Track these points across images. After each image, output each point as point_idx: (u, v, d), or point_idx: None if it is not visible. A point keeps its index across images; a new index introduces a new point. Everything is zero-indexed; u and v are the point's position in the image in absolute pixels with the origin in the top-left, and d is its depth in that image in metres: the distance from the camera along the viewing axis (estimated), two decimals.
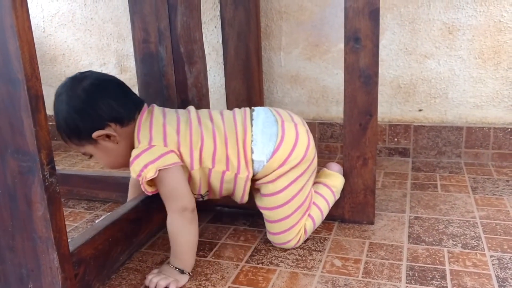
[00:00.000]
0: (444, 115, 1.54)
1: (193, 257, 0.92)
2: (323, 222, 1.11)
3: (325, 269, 0.92)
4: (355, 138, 1.05)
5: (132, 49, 1.28)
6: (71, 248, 0.75)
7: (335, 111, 1.64)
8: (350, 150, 1.06)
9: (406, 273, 0.89)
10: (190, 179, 0.94)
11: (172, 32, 1.14)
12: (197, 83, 1.18)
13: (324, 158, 1.62)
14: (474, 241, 1.00)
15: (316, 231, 1.07)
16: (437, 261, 0.93)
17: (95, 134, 0.89)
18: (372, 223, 1.10)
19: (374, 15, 0.97)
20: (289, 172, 0.96)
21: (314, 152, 1.01)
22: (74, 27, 1.87)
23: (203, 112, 1.00)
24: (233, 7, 1.47)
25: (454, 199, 1.23)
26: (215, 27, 1.67)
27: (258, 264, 0.95)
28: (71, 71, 1.91)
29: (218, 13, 1.62)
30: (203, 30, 1.26)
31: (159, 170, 0.87)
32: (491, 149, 1.50)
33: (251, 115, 0.98)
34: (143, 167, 0.86)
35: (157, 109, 0.96)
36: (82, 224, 1.19)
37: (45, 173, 0.65)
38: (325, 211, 1.05)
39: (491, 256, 0.94)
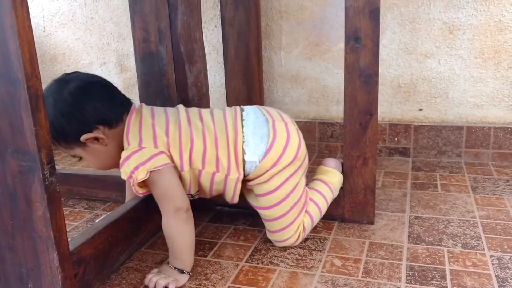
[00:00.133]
0: (444, 114, 1.54)
1: (192, 257, 0.92)
2: (323, 222, 1.11)
3: (325, 268, 0.92)
4: (355, 138, 1.05)
5: (132, 49, 1.28)
6: (71, 248, 0.75)
7: (335, 111, 1.64)
8: (350, 149, 1.06)
9: (406, 273, 0.89)
10: (180, 179, 0.93)
11: (172, 31, 1.14)
12: (197, 83, 1.18)
13: (324, 157, 1.61)
14: (474, 241, 1.00)
15: (316, 231, 1.07)
16: (437, 261, 0.93)
17: (83, 138, 0.88)
18: (372, 222, 1.10)
19: (374, 15, 0.97)
20: (282, 171, 0.95)
21: (306, 151, 1.00)
22: (75, 26, 1.87)
23: (193, 111, 0.99)
24: (233, 7, 1.47)
25: (454, 199, 1.23)
26: (215, 26, 1.67)
27: (258, 263, 0.95)
28: (72, 70, 1.91)
29: (218, 12, 1.62)
30: (203, 30, 1.25)
31: (150, 171, 0.86)
32: (491, 149, 1.50)
33: (241, 116, 0.98)
34: (133, 168, 0.86)
35: (145, 109, 0.95)
36: (82, 223, 1.19)
37: (45, 172, 0.65)
38: (323, 208, 1.05)
39: (491, 256, 0.94)
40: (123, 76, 1.85)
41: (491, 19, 1.42)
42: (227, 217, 1.18)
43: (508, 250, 0.96)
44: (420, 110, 1.56)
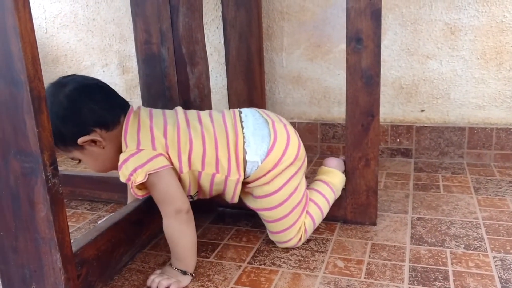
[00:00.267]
0: (446, 115, 1.54)
1: (194, 258, 0.92)
2: (325, 223, 1.11)
3: (328, 270, 0.92)
4: (357, 139, 1.05)
5: (134, 50, 1.28)
6: (74, 249, 0.75)
7: (337, 112, 1.64)
8: (352, 151, 1.06)
9: (409, 274, 0.89)
10: (179, 181, 0.93)
11: (174, 33, 1.14)
12: (199, 84, 1.18)
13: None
14: (477, 242, 1.00)
15: (318, 232, 1.07)
16: (440, 262, 0.93)
17: (80, 140, 0.88)
18: (374, 224, 1.10)
19: (376, 16, 0.97)
20: (283, 172, 0.96)
21: (305, 152, 1.01)
22: (76, 28, 1.87)
23: (192, 113, 0.99)
24: (234, 8, 1.47)
25: (457, 200, 1.22)
26: (217, 28, 1.67)
27: (260, 265, 0.95)
28: (73, 72, 1.91)
29: (220, 14, 1.63)
30: (205, 31, 1.26)
31: (149, 174, 0.86)
32: (493, 150, 1.50)
33: (240, 117, 0.97)
34: (132, 171, 0.85)
35: (143, 111, 0.95)
36: (85, 225, 1.19)
37: (48, 174, 0.65)
38: (325, 209, 1.05)
39: (494, 257, 0.94)
40: (125, 77, 1.85)
41: (492, 20, 1.42)
42: (230, 218, 1.18)
43: (511, 251, 0.96)
44: (422, 111, 1.56)
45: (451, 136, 1.53)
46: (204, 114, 0.99)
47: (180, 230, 0.89)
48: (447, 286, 0.85)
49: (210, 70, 1.39)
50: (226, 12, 1.48)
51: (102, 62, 1.88)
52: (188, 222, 0.90)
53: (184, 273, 0.89)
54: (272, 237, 1.01)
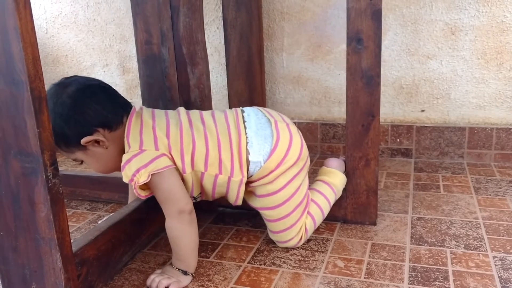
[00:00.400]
0: (446, 115, 1.54)
1: (195, 258, 0.92)
2: (325, 223, 1.11)
3: (328, 269, 0.92)
4: (357, 139, 1.05)
5: (134, 50, 1.28)
6: (74, 249, 0.75)
7: (338, 112, 1.64)
8: (352, 151, 1.06)
9: (409, 274, 0.89)
10: (182, 182, 0.93)
11: (174, 33, 1.14)
12: (200, 84, 1.18)
13: (326, 159, 1.62)
14: (477, 241, 1.00)
15: (318, 232, 1.07)
16: (440, 262, 0.93)
17: (83, 140, 0.87)
18: (374, 223, 1.10)
19: (376, 16, 0.97)
20: (286, 171, 0.96)
21: (307, 151, 1.01)
22: (77, 28, 1.87)
23: (194, 113, 0.99)
24: (235, 8, 1.47)
25: (457, 200, 1.22)
26: (217, 28, 1.67)
27: (260, 264, 0.95)
28: (74, 72, 1.92)
29: (220, 14, 1.63)
30: (205, 31, 1.26)
31: (152, 174, 0.86)
32: (493, 150, 1.50)
33: (243, 117, 0.98)
34: (135, 171, 0.85)
35: (146, 112, 0.95)
36: (85, 224, 1.19)
37: (48, 174, 0.66)
38: (326, 209, 1.05)
39: (494, 257, 0.94)
40: (125, 77, 1.85)
41: (493, 20, 1.42)
42: (230, 218, 1.18)
43: (511, 251, 0.96)
44: (422, 111, 1.56)
45: (451, 136, 1.53)
46: (206, 114, 0.99)
47: (182, 230, 0.89)
48: (447, 286, 0.85)
49: (210, 70, 1.40)
50: (227, 12, 1.48)
51: (102, 63, 1.88)
52: (190, 222, 0.90)
53: (185, 273, 0.89)
54: (273, 237, 1.01)
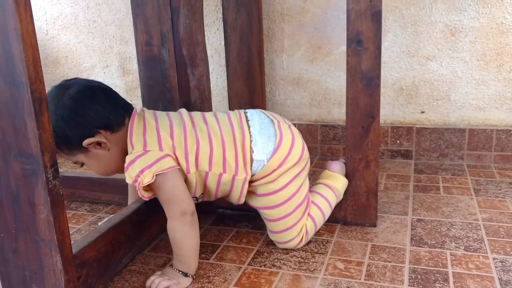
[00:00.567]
0: (446, 117, 1.54)
1: (196, 260, 0.92)
2: (325, 225, 1.11)
3: (328, 271, 0.92)
4: (357, 141, 1.05)
5: (134, 52, 1.28)
6: (74, 251, 0.75)
7: (337, 113, 1.64)
8: (352, 152, 1.06)
9: (409, 276, 0.89)
10: (185, 182, 0.93)
11: (174, 34, 1.15)
12: (200, 86, 1.18)
13: (326, 160, 1.62)
14: (477, 243, 1.00)
15: (318, 234, 1.07)
16: (440, 264, 0.93)
17: (85, 142, 0.87)
18: (374, 225, 1.10)
19: (376, 18, 0.97)
20: (288, 171, 0.96)
21: (308, 154, 1.01)
22: (77, 29, 1.87)
23: (196, 114, 0.99)
24: (235, 10, 1.47)
25: (457, 201, 1.22)
26: (218, 29, 1.67)
27: (260, 266, 0.95)
28: (74, 74, 1.92)
29: (220, 15, 1.63)
30: (205, 33, 1.26)
31: (156, 175, 0.86)
32: (493, 151, 1.50)
33: (246, 117, 0.98)
34: (139, 172, 0.85)
35: (148, 113, 0.95)
36: (85, 226, 1.19)
37: (49, 175, 0.66)
38: (327, 212, 1.05)
39: (494, 259, 0.94)
40: (125, 79, 1.85)
41: (493, 21, 1.42)
42: (230, 219, 1.18)
43: (511, 252, 0.96)
44: (422, 112, 1.56)
45: (451, 137, 1.53)
46: (209, 114, 0.99)
47: (184, 232, 0.89)
48: (447, 287, 0.85)
49: (210, 71, 1.40)
50: (227, 14, 1.48)
51: (102, 64, 1.88)
52: (192, 224, 0.90)
53: (185, 275, 0.89)
54: (273, 237, 1.01)
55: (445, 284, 0.86)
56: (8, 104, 0.63)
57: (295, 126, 1.64)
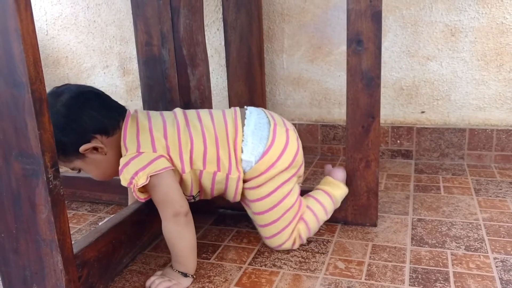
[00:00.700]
0: (446, 117, 1.54)
1: (194, 260, 0.91)
2: (326, 224, 1.11)
3: (328, 271, 0.92)
4: (357, 140, 1.05)
5: (135, 52, 1.28)
6: (74, 251, 0.75)
7: (338, 113, 1.64)
8: (352, 152, 1.06)
9: (409, 275, 0.89)
10: (181, 181, 0.93)
11: (174, 34, 1.15)
12: (200, 86, 1.18)
13: (326, 160, 1.62)
14: (478, 243, 1.00)
15: (319, 233, 1.07)
16: (440, 263, 0.93)
17: (82, 148, 0.87)
18: (375, 225, 1.10)
19: (376, 18, 0.97)
20: (276, 176, 0.95)
21: (302, 159, 1.01)
22: (77, 29, 1.88)
23: (191, 112, 0.99)
24: (235, 10, 1.47)
25: (457, 201, 1.22)
26: (218, 29, 1.67)
27: (261, 266, 0.95)
28: (74, 74, 1.92)
29: (220, 15, 1.63)
30: (205, 33, 1.26)
31: (150, 176, 0.86)
32: (494, 151, 1.50)
33: (244, 114, 0.98)
34: (133, 174, 0.85)
35: (141, 114, 0.95)
36: (86, 226, 1.19)
37: (49, 175, 0.66)
38: (321, 217, 1.03)
39: (495, 258, 0.94)
40: (125, 79, 1.85)
41: (493, 21, 1.42)
42: (230, 219, 1.18)
43: None
44: (423, 112, 1.56)
45: (452, 137, 1.53)
46: (204, 112, 0.99)
47: (179, 232, 0.89)
48: (448, 287, 0.85)
49: (210, 71, 1.40)
50: (227, 14, 1.48)
51: (102, 64, 1.88)
52: (187, 224, 0.89)
53: (185, 275, 0.89)
54: (266, 242, 1.01)
55: (446, 284, 0.86)
56: (8, 104, 0.63)
57: (295, 127, 1.65)
